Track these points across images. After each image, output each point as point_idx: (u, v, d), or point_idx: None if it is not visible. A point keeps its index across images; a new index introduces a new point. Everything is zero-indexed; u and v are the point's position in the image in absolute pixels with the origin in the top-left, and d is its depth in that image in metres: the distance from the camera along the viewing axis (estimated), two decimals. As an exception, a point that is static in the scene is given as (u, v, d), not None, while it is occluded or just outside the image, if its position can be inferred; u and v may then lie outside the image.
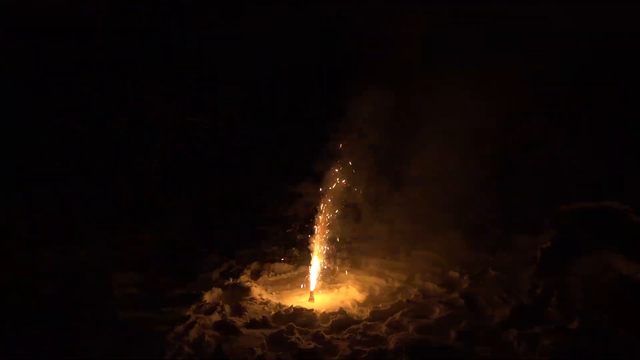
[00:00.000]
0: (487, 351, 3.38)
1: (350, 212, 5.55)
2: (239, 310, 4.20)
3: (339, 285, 4.89)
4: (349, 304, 4.45)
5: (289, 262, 5.36)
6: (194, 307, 4.12)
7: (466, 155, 5.60)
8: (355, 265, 5.24)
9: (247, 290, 4.58)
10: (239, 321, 3.98)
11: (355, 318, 4.04)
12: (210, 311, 4.08)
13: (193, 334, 3.68)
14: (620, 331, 3.19)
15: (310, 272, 4.85)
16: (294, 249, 5.66)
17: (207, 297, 4.32)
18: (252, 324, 3.96)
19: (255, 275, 5.06)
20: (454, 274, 4.70)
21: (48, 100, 5.58)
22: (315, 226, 5.01)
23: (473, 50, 5.51)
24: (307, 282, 4.78)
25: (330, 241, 5.08)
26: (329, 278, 5.00)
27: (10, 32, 5.08)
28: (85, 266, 4.79)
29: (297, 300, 4.58)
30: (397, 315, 3.90)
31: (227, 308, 4.18)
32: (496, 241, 5.29)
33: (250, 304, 4.34)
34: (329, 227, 5.01)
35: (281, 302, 4.47)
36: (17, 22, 5.11)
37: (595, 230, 3.96)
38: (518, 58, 5.34)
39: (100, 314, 3.93)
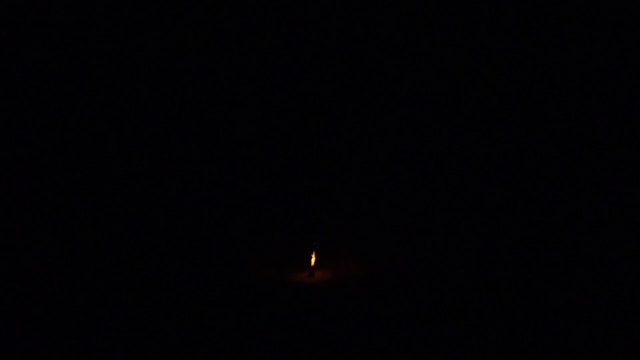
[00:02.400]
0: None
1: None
2: (242, 286, 4.35)
3: (338, 262, 5.04)
4: (348, 279, 4.61)
5: (291, 240, 5.50)
6: (197, 285, 4.26)
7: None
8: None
9: (250, 266, 4.73)
10: (241, 296, 4.12)
11: (352, 292, 4.21)
12: (213, 287, 4.22)
13: (197, 311, 3.82)
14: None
15: (311, 250, 4.99)
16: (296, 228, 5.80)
17: (210, 274, 4.46)
18: (255, 298, 4.11)
19: (258, 253, 5.20)
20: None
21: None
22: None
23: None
24: (308, 259, 4.93)
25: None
26: (329, 256, 5.15)
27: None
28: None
29: (298, 276, 4.75)
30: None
31: (229, 285, 4.32)
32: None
33: (252, 279, 4.50)
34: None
35: (283, 277, 4.63)
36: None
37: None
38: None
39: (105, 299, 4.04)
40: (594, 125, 4.87)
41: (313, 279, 4.67)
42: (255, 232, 5.70)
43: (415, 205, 5.64)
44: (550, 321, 3.50)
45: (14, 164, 5.40)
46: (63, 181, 5.77)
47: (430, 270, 4.55)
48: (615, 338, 3.34)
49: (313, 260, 4.86)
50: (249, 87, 6.43)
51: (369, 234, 5.54)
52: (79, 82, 5.30)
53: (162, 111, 6.16)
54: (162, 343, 3.55)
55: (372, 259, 5.04)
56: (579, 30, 5.10)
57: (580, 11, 4.93)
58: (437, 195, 5.60)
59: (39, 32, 4.43)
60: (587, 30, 5.06)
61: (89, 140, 5.75)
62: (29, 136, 5.51)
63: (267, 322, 3.83)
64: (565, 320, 3.48)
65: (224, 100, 6.56)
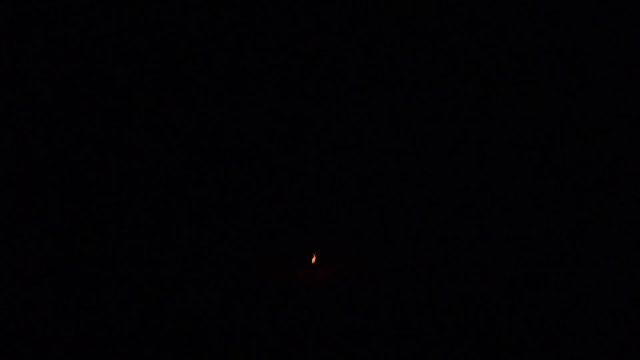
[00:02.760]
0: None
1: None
2: (237, 284, 4.33)
3: (339, 261, 5.00)
4: (348, 278, 4.59)
5: (289, 237, 5.44)
6: (196, 285, 4.23)
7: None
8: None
9: (247, 264, 4.69)
10: (238, 294, 4.11)
11: (353, 290, 4.21)
12: (209, 286, 4.20)
13: (196, 310, 3.81)
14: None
15: (310, 247, 4.94)
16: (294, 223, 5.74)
17: (206, 272, 4.44)
18: (252, 296, 4.10)
19: (255, 250, 5.15)
20: None
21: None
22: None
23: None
24: (307, 257, 4.88)
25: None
26: (330, 254, 5.11)
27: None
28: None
29: (296, 274, 4.69)
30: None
31: (225, 283, 4.31)
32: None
33: (249, 277, 4.46)
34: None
35: (280, 276, 4.58)
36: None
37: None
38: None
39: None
40: (593, 124, 4.81)
41: (314, 277, 4.63)
42: (255, 231, 5.63)
43: (413, 205, 5.56)
44: (550, 321, 3.53)
45: (13, 164, 5.17)
46: (63, 181, 5.56)
47: (430, 269, 4.56)
48: (615, 338, 3.41)
49: (314, 258, 4.82)
50: (248, 86, 6.20)
51: (368, 233, 5.51)
52: (79, 82, 5.05)
53: (162, 110, 5.94)
54: (161, 343, 3.53)
55: (371, 258, 5.03)
56: (578, 30, 4.97)
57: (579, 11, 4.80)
58: (436, 195, 5.53)
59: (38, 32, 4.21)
60: (587, 29, 4.95)
61: (89, 140, 5.52)
62: (29, 136, 5.26)
63: (267, 321, 3.82)
64: (565, 320, 3.52)
65: (225, 99, 6.35)
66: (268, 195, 5.08)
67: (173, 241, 4.73)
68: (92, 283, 3.65)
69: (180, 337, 3.43)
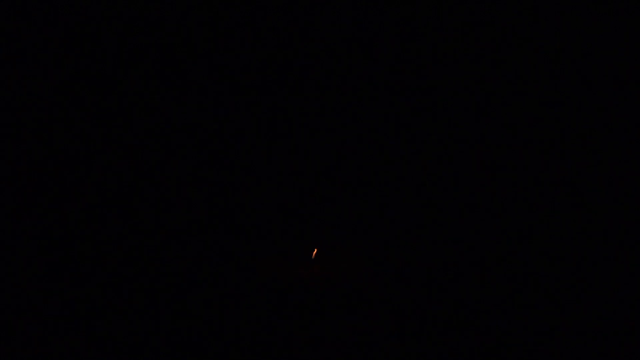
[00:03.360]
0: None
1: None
2: (238, 280, 4.33)
3: (340, 257, 5.00)
4: (350, 273, 4.58)
5: (289, 233, 5.43)
6: (196, 283, 4.24)
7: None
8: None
9: (248, 260, 4.68)
10: (238, 290, 4.11)
11: (353, 285, 4.20)
12: (211, 283, 4.21)
13: (197, 307, 3.81)
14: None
15: (312, 243, 4.93)
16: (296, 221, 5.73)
17: (206, 271, 4.44)
18: (252, 291, 4.09)
19: (256, 246, 5.15)
20: None
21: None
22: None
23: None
24: (309, 253, 4.87)
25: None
26: (330, 252, 5.10)
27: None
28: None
29: (297, 270, 4.69)
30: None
31: (226, 281, 4.32)
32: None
33: (250, 273, 4.46)
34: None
35: (281, 271, 4.58)
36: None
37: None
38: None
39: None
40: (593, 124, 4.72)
41: (314, 273, 4.62)
42: (255, 230, 5.63)
43: (413, 205, 5.52)
44: (550, 322, 3.49)
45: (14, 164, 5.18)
46: (63, 181, 5.57)
47: (430, 268, 4.54)
48: (615, 338, 3.37)
49: (314, 253, 4.81)
50: (249, 85, 6.19)
51: (368, 232, 5.48)
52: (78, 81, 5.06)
53: (162, 110, 5.94)
54: (161, 342, 3.52)
55: (371, 256, 5.01)
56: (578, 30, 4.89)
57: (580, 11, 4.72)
58: (435, 195, 5.48)
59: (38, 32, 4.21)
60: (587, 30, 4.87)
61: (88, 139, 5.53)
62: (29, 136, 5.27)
63: (266, 319, 3.82)
64: (565, 320, 3.48)
65: (226, 98, 6.34)
66: (269, 194, 5.05)
67: (175, 239, 4.71)
68: (95, 283, 3.64)
69: (181, 335, 3.44)
